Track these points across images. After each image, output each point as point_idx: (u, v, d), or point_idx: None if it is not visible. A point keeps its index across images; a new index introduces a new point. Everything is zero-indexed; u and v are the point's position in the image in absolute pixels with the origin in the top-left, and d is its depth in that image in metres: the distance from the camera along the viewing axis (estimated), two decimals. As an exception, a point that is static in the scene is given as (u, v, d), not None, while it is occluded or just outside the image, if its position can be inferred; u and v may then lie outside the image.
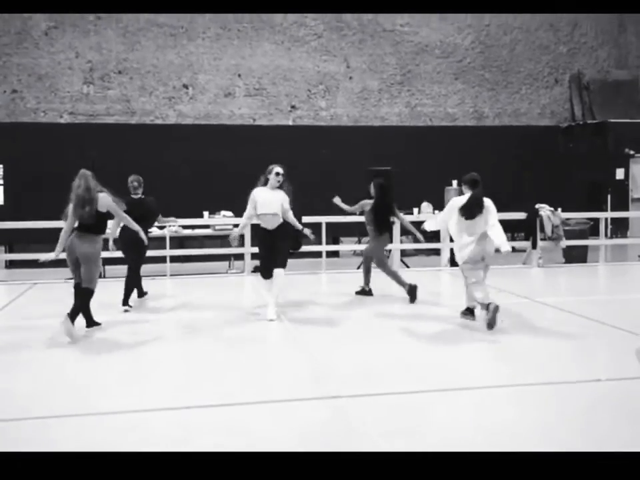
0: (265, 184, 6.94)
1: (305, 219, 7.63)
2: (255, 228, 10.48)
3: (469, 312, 6.82)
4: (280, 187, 6.91)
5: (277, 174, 6.89)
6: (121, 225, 7.32)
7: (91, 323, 6.66)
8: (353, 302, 7.97)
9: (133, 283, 7.78)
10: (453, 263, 11.12)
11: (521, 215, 11.38)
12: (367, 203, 7.93)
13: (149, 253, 10.23)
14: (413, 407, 4.36)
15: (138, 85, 14.80)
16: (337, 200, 8.16)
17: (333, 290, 8.68)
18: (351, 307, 7.63)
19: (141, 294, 8.19)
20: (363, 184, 12.18)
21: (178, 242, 11.46)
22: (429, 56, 16.18)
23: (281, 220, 6.87)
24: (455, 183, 12.26)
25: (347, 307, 7.63)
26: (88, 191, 6.19)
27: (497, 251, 6.49)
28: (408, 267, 11.32)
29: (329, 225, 10.75)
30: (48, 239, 11.69)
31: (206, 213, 10.88)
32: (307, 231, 7.02)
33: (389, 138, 13.77)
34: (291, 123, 15.42)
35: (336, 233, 12.73)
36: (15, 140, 12.29)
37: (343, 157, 13.04)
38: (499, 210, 11.58)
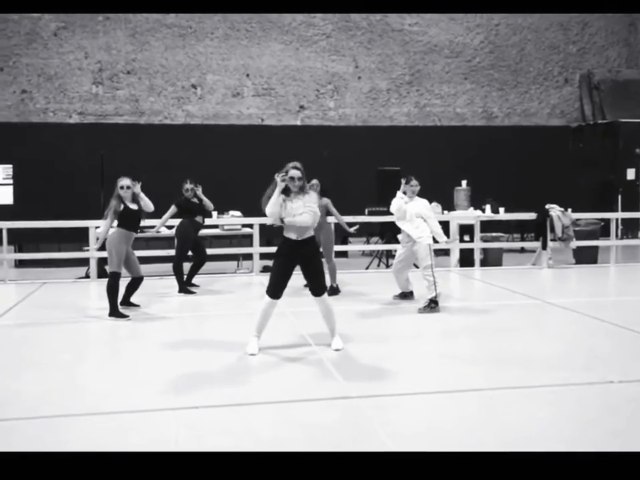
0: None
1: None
2: (264, 230, 10.50)
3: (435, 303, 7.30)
4: (302, 190, 5.53)
5: (292, 179, 5.46)
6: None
7: (112, 312, 7.07)
8: (361, 302, 7.94)
9: (175, 271, 8.69)
10: (462, 263, 11.09)
11: (531, 216, 11.32)
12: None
13: (158, 253, 10.32)
14: (422, 407, 4.33)
15: (146, 85, 14.83)
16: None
17: (342, 290, 8.65)
18: (359, 308, 7.59)
19: (181, 288, 8.70)
20: (372, 184, 12.18)
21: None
22: (437, 56, 16.13)
23: (312, 232, 5.62)
24: (464, 183, 12.20)
25: (355, 308, 7.60)
26: None
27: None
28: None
29: (337, 225, 10.72)
30: (57, 239, 11.82)
31: (214, 213, 10.87)
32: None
33: (397, 138, 13.73)
34: (299, 123, 15.40)
35: (344, 233, 12.69)
36: (24, 140, 12.33)
37: (352, 157, 13.01)
38: (508, 210, 11.61)
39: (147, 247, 10.67)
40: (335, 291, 8.45)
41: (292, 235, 5.52)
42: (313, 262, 5.60)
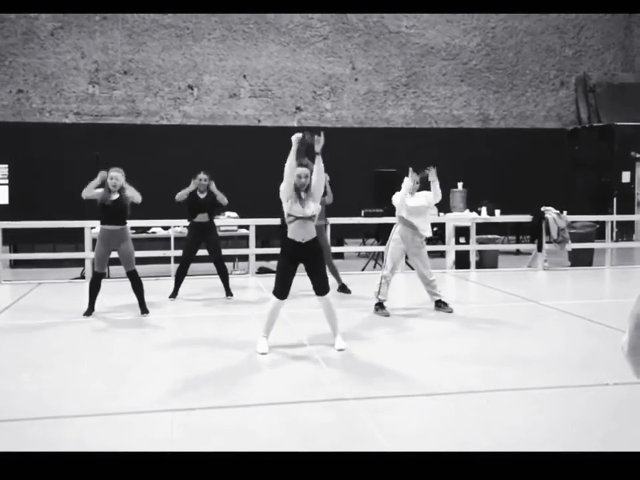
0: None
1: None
2: (260, 232, 10.51)
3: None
4: (307, 190, 5.66)
5: (299, 177, 5.63)
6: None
7: (87, 309, 7.20)
8: (356, 305, 7.94)
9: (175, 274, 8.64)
10: (458, 265, 11.10)
11: (526, 218, 11.35)
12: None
13: (153, 254, 10.30)
14: (419, 409, 4.33)
15: (143, 85, 14.81)
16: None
17: (336, 293, 8.65)
18: (354, 310, 7.59)
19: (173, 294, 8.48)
20: (368, 186, 12.18)
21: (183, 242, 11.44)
22: (434, 58, 16.15)
23: (315, 233, 5.70)
24: (460, 185, 12.22)
25: (351, 309, 7.59)
26: None
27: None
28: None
29: (334, 227, 10.73)
30: (52, 239, 11.79)
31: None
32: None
33: (394, 140, 13.74)
34: (295, 124, 15.40)
35: (340, 234, 12.70)
36: (20, 140, 12.30)
37: (348, 159, 13.01)
38: (504, 212, 11.63)
39: (142, 248, 10.64)
40: (345, 289, 8.76)
41: (297, 236, 5.56)
42: (317, 262, 5.68)
